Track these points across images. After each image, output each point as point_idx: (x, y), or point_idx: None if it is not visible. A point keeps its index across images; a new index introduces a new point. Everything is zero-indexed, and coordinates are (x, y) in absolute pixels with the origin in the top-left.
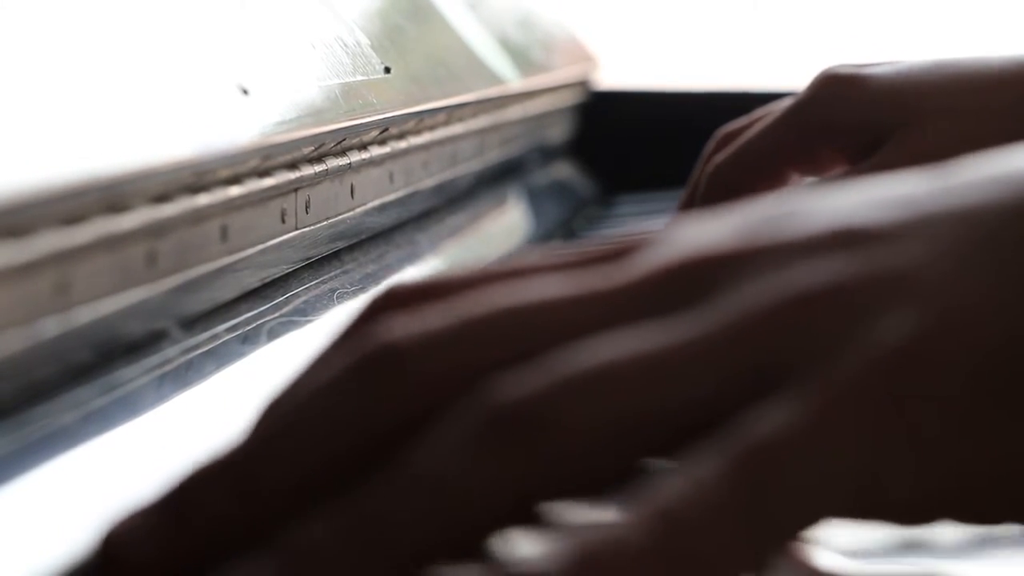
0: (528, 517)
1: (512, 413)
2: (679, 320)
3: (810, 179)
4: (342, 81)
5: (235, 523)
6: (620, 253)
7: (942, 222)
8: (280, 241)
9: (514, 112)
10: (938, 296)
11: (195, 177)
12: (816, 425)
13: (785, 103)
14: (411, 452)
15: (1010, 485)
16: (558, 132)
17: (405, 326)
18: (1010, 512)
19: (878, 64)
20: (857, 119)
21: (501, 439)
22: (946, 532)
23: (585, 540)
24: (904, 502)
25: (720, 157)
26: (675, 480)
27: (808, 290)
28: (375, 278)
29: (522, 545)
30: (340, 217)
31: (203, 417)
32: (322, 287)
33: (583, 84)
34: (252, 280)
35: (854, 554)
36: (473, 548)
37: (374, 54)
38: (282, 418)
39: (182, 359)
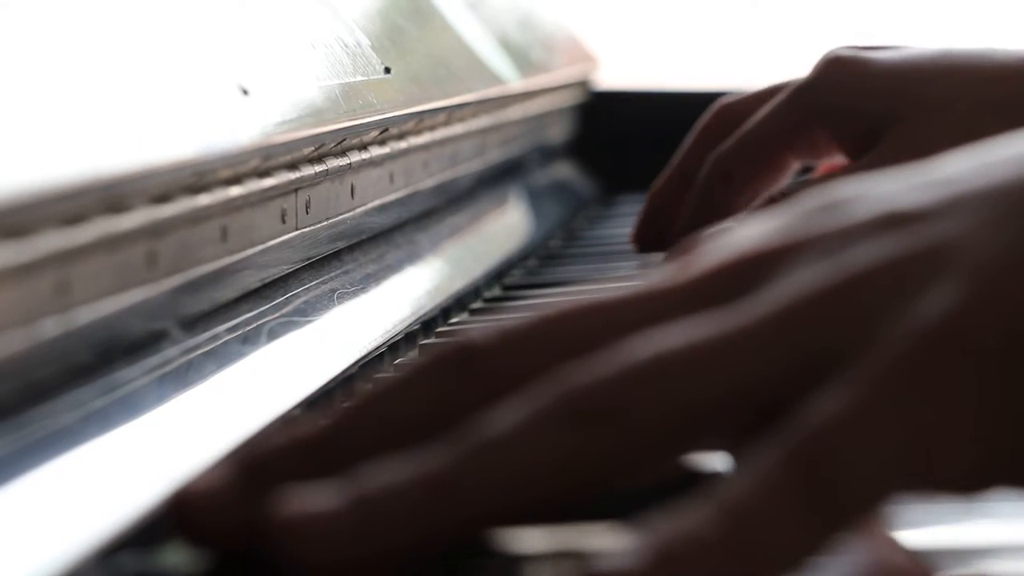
0: (575, 498)
1: (577, 393)
2: (734, 309)
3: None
4: (342, 81)
5: (314, 482)
6: (682, 263)
7: (979, 197)
8: (280, 241)
9: (514, 112)
10: (978, 266)
11: (195, 177)
12: (868, 406)
13: (788, 84)
14: (482, 421)
15: None
16: (558, 132)
17: (480, 330)
18: None
19: (882, 48)
20: (857, 104)
21: (565, 416)
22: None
23: (660, 537)
24: (963, 473)
25: (723, 146)
26: (738, 474)
27: (855, 272)
28: (375, 278)
29: (599, 541)
30: (340, 217)
31: (204, 418)
32: (322, 287)
33: (583, 84)
34: (252, 280)
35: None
36: (530, 522)
37: (374, 54)
38: (359, 401)
39: (182, 359)
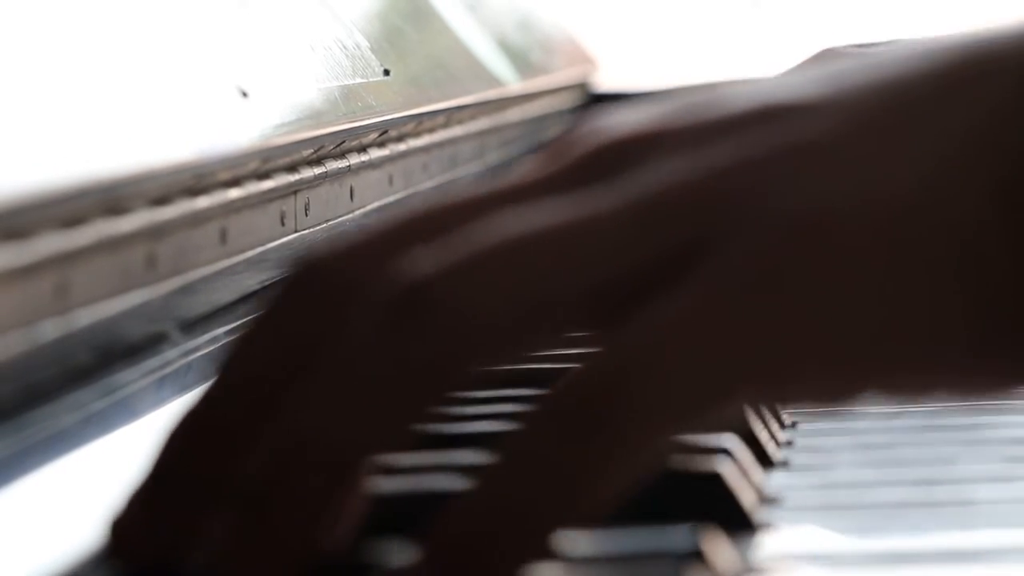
0: (446, 402)
1: (417, 288)
2: (592, 194)
3: None
4: (341, 83)
5: (206, 476)
6: (554, 153)
7: (864, 94)
8: (280, 243)
9: (513, 114)
10: (853, 168)
11: (195, 179)
12: (716, 299)
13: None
14: (328, 349)
15: (915, 356)
16: (558, 134)
17: (332, 245)
18: (924, 383)
19: (880, 45)
20: None
21: (407, 315)
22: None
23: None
24: (816, 376)
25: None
26: (589, 362)
27: (723, 164)
28: None
29: None
30: (340, 219)
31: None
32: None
33: (582, 86)
34: (252, 282)
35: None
36: (398, 441)
37: (373, 56)
38: (229, 359)
39: (182, 362)
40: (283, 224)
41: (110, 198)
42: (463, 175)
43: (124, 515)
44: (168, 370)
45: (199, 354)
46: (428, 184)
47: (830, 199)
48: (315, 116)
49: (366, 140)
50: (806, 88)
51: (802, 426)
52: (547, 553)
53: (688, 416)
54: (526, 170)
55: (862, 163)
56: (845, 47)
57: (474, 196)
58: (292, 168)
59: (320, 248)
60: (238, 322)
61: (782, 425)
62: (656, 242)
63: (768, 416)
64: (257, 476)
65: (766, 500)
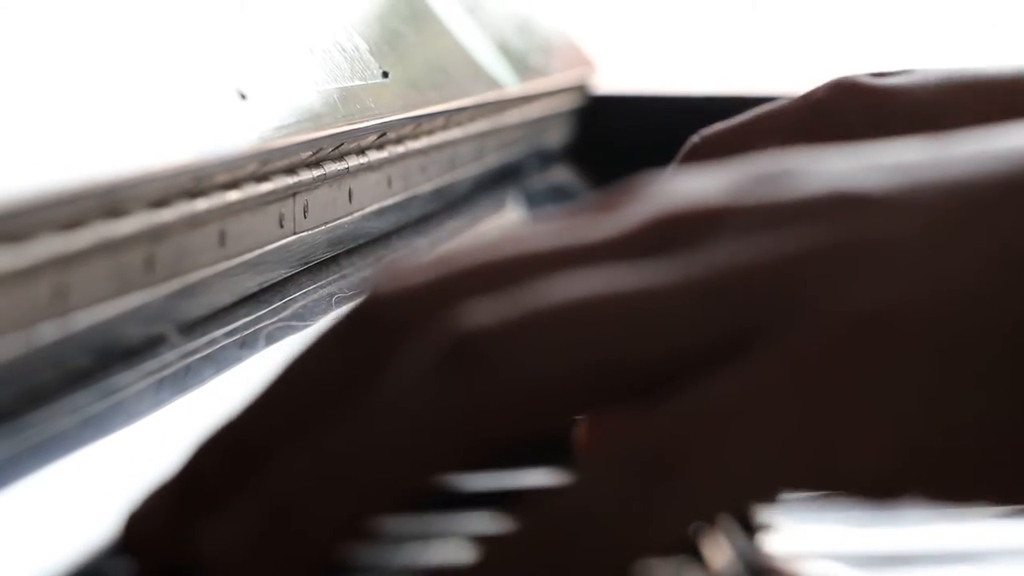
0: (487, 454)
1: (471, 340)
2: (657, 265)
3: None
4: (340, 86)
5: (234, 485)
6: (614, 206)
7: (935, 192)
8: (278, 246)
9: (512, 116)
10: (917, 268)
11: (193, 182)
12: (770, 389)
13: (782, 102)
14: (376, 385)
15: (968, 463)
16: (556, 137)
17: (388, 283)
18: (974, 491)
19: (892, 74)
20: (874, 133)
21: (456, 366)
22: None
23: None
24: (864, 474)
25: (707, 130)
26: (632, 432)
27: (789, 252)
28: None
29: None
30: (338, 222)
31: (201, 422)
32: (320, 292)
33: (581, 89)
34: (250, 285)
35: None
36: (433, 482)
37: (372, 59)
38: (269, 382)
39: (180, 364)
40: (282, 226)
41: (109, 200)
42: (462, 177)
43: (142, 511)
44: (167, 372)
45: (197, 357)
46: (427, 186)
47: (892, 299)
48: (314, 118)
49: (365, 142)
50: (880, 180)
51: None
52: None
53: (744, 493)
54: (588, 223)
55: (926, 266)
56: (860, 76)
57: (538, 250)
58: (291, 170)
59: (383, 280)
60: (237, 324)
61: None
62: (717, 324)
63: None
64: (280, 493)
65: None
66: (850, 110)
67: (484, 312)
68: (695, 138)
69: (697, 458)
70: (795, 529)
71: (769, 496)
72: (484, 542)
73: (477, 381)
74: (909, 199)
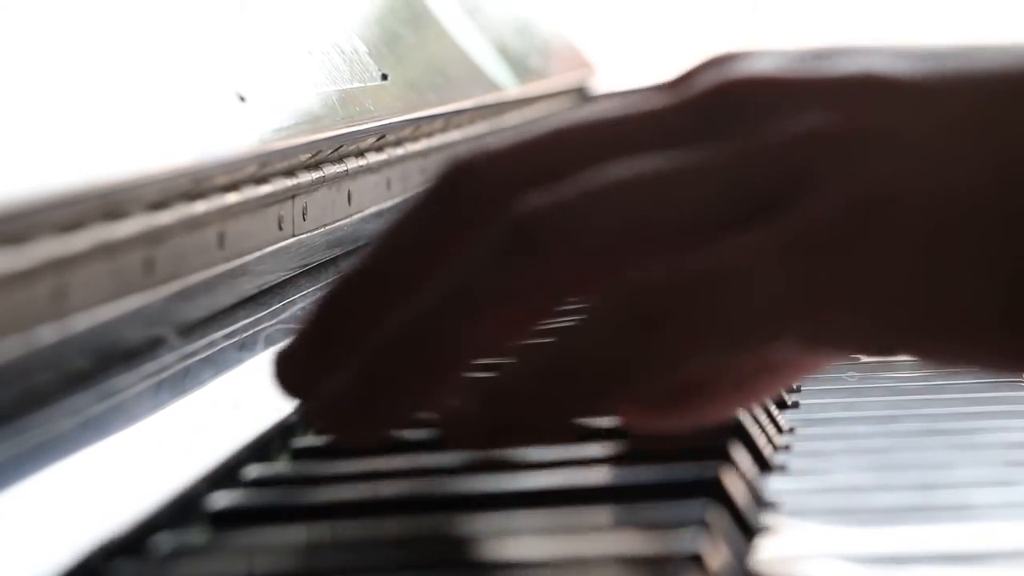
0: (540, 320)
1: (526, 225)
2: (697, 145)
3: None
4: (339, 88)
5: (362, 320)
6: (675, 84)
7: (958, 83)
8: (277, 248)
9: (512, 119)
10: (925, 160)
11: (192, 184)
12: (765, 254)
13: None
14: (453, 266)
15: (954, 328)
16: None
17: (475, 150)
18: (957, 355)
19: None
20: None
21: (514, 246)
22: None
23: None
24: (863, 329)
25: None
26: (632, 284)
27: (815, 129)
28: None
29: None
30: (337, 224)
31: (200, 424)
32: (319, 294)
33: (580, 91)
34: (249, 287)
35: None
36: (506, 350)
37: (371, 61)
38: (382, 237)
39: (179, 366)
40: (281, 228)
41: (108, 202)
42: None
43: (284, 352)
44: (165, 375)
45: (196, 359)
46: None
47: (893, 188)
48: (313, 120)
49: (364, 144)
50: (911, 65)
51: (800, 431)
52: (583, 414)
53: (737, 339)
54: (652, 97)
55: (933, 161)
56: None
57: (600, 120)
58: (290, 172)
59: (463, 156)
60: (236, 326)
61: (780, 430)
62: (737, 196)
63: (766, 421)
64: (380, 347)
65: (764, 504)
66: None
67: (540, 199)
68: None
69: (682, 311)
70: (792, 534)
71: (756, 346)
72: (501, 367)
73: (529, 259)
74: (933, 86)
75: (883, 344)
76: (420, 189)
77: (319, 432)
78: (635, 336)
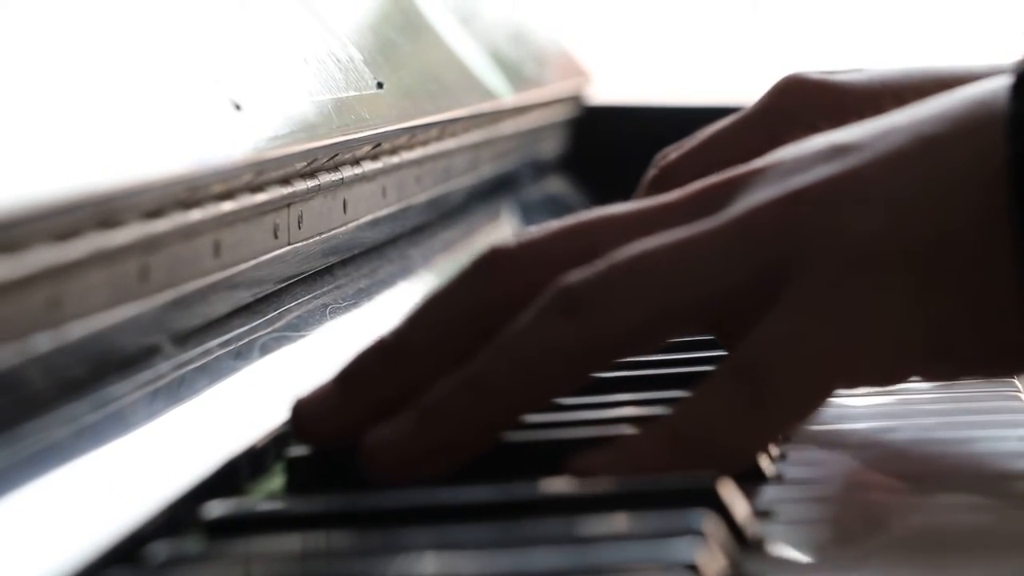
0: (587, 378)
1: (570, 290)
2: (703, 221)
3: None
4: (335, 96)
5: (389, 388)
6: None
7: (900, 133)
8: (273, 256)
9: (507, 127)
10: (885, 194)
11: (188, 192)
12: (799, 321)
13: (739, 113)
14: (506, 327)
15: (948, 348)
16: (551, 147)
17: (508, 240)
18: (955, 369)
19: (846, 71)
20: (826, 127)
21: (560, 309)
22: None
23: (626, 444)
24: (879, 364)
25: (673, 155)
26: (699, 386)
27: (797, 189)
28: (368, 293)
29: None
30: (333, 232)
31: (195, 432)
32: (315, 302)
33: (576, 99)
34: (245, 295)
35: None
36: (537, 403)
37: (367, 69)
38: (421, 305)
39: (175, 374)
40: (276, 237)
41: (103, 211)
42: (456, 187)
43: (311, 399)
44: (161, 383)
45: (192, 367)
46: (421, 197)
47: (874, 228)
48: (308, 129)
49: (359, 153)
50: (862, 131)
51: (796, 440)
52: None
53: (811, 399)
54: (650, 202)
55: (890, 193)
56: (812, 73)
57: (618, 216)
58: (285, 181)
59: (501, 243)
60: (231, 334)
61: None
62: (748, 257)
63: None
64: (435, 399)
65: (760, 514)
66: (806, 107)
67: (577, 272)
68: (653, 170)
69: (742, 390)
70: (787, 543)
71: (810, 403)
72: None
73: (574, 320)
74: (881, 140)
75: (894, 372)
76: (460, 270)
77: (369, 474)
78: (751, 405)
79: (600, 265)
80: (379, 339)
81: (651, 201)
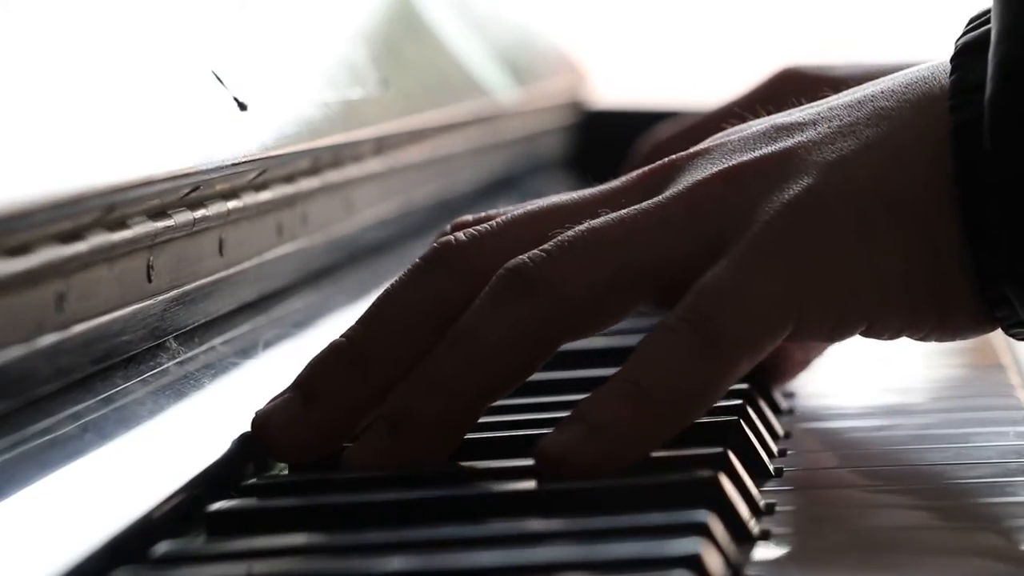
0: (542, 359)
1: (519, 270)
2: (648, 200)
3: None
4: (339, 95)
5: (352, 393)
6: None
7: (845, 109)
8: (277, 255)
9: (509, 128)
10: (828, 159)
11: (193, 191)
12: (742, 274)
13: (732, 97)
14: (462, 315)
15: (893, 298)
16: (552, 149)
17: (459, 232)
18: (906, 324)
19: (841, 65)
20: None
21: (513, 291)
22: None
23: (587, 416)
24: (826, 305)
25: (664, 133)
26: (649, 337)
27: (738, 163)
28: (371, 290)
29: None
30: (337, 231)
31: (200, 428)
32: (319, 300)
33: (577, 102)
34: (249, 293)
35: None
36: (507, 388)
37: (371, 70)
38: (374, 305)
39: (180, 371)
40: (281, 235)
41: (109, 209)
42: (459, 187)
43: (270, 409)
44: (166, 380)
45: (197, 364)
46: (424, 196)
47: (818, 187)
48: (313, 128)
49: (363, 152)
50: (804, 112)
51: (796, 437)
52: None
53: (760, 339)
54: (602, 186)
55: (836, 157)
56: (805, 64)
57: (565, 203)
58: (290, 179)
59: (447, 237)
60: (235, 332)
61: (776, 436)
62: (691, 229)
63: (762, 427)
64: (401, 408)
65: (761, 510)
66: (799, 98)
67: (525, 255)
68: (644, 147)
69: (697, 336)
70: (788, 540)
71: (761, 346)
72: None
73: (528, 299)
74: (822, 118)
75: (840, 325)
76: (413, 263)
77: (351, 468)
78: (703, 350)
79: (547, 245)
80: (335, 344)
81: (597, 188)
